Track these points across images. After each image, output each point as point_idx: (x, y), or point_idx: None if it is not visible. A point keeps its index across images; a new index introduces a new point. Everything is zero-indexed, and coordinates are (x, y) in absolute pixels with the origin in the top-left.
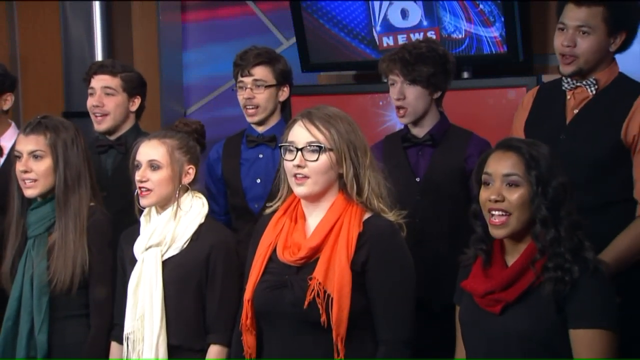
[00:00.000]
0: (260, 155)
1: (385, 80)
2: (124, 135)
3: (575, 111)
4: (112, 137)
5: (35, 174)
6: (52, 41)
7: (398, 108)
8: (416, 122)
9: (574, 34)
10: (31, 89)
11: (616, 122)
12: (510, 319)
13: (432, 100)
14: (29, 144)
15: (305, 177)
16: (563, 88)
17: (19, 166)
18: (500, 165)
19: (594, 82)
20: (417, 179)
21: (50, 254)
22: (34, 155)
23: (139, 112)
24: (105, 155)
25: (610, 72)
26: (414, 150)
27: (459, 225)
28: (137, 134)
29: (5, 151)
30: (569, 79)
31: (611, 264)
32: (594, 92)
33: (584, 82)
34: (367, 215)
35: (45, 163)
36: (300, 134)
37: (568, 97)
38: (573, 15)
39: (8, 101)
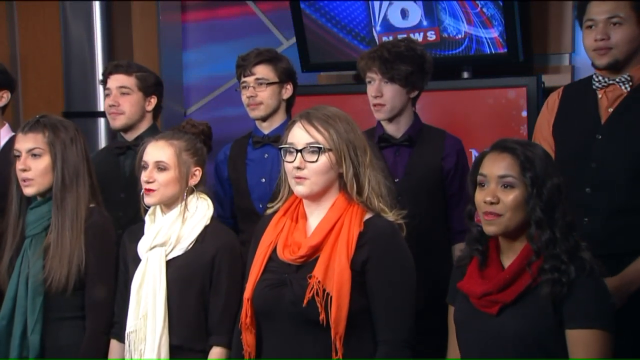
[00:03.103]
0: (266, 155)
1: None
2: (141, 135)
3: (610, 110)
4: (130, 138)
5: (33, 172)
6: (52, 41)
7: (374, 105)
8: (391, 120)
9: (604, 27)
10: (31, 89)
11: None
12: (507, 320)
13: (408, 99)
14: (27, 142)
15: (305, 177)
16: (594, 87)
17: (18, 165)
18: (495, 167)
19: (628, 78)
20: (396, 180)
21: (46, 254)
22: (32, 154)
23: (155, 112)
24: (124, 157)
25: None
26: (390, 151)
27: (437, 223)
28: (155, 135)
29: None
30: (600, 77)
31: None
32: (629, 89)
33: (617, 79)
34: (368, 215)
35: (44, 161)
36: (299, 135)
37: (599, 95)
38: (600, 9)
39: (4, 98)
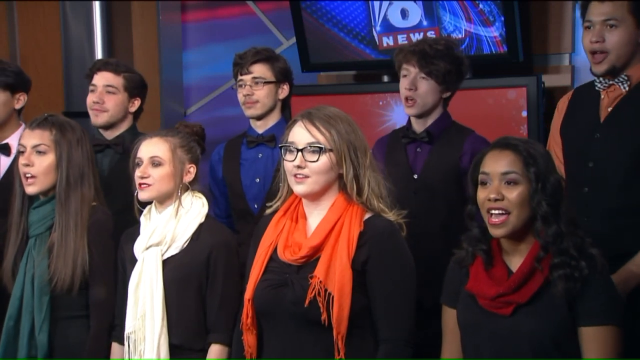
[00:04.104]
0: (260, 155)
1: (396, 74)
2: (121, 135)
3: (609, 109)
4: (109, 137)
5: (36, 169)
6: (52, 41)
7: (407, 99)
8: (421, 116)
9: (601, 29)
10: (31, 89)
11: None
12: (522, 320)
13: (440, 98)
14: (34, 138)
15: (306, 176)
16: (596, 88)
17: (21, 159)
18: (498, 164)
19: (626, 78)
20: (415, 176)
21: (51, 253)
22: (37, 150)
23: (136, 114)
24: (102, 155)
25: None
26: (412, 147)
27: (452, 223)
28: (135, 135)
29: (14, 150)
30: (601, 78)
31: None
32: (627, 88)
33: (617, 80)
34: (367, 215)
35: (48, 159)
36: (300, 134)
37: (602, 96)
38: (598, 11)
39: (21, 100)
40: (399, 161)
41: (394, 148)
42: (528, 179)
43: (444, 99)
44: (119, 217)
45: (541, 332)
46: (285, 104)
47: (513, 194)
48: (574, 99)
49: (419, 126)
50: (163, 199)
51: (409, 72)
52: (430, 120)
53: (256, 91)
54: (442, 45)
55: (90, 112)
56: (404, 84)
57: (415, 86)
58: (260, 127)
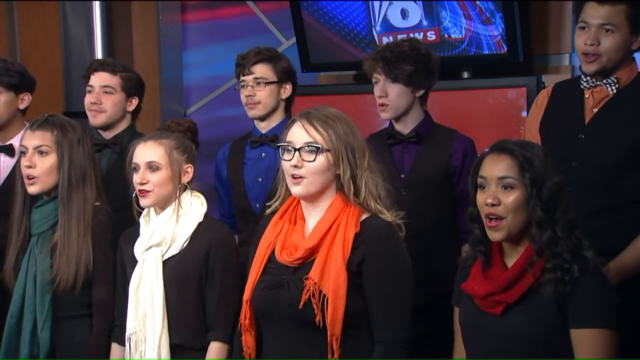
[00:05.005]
0: (263, 155)
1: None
2: (119, 134)
3: (595, 110)
4: (108, 137)
5: (38, 170)
6: (52, 41)
7: (380, 104)
8: (398, 119)
9: (597, 32)
10: None
11: (636, 121)
12: (512, 320)
13: (414, 98)
14: (35, 139)
15: (302, 177)
16: (582, 87)
17: (24, 161)
18: (495, 168)
19: (615, 80)
20: (402, 176)
21: (54, 253)
22: (39, 151)
23: (135, 113)
24: (100, 155)
25: (630, 70)
26: (398, 147)
27: (443, 220)
28: (133, 135)
29: (17, 151)
30: (588, 78)
31: (629, 266)
32: (614, 91)
33: (605, 81)
34: (364, 216)
35: (50, 160)
36: (298, 134)
37: (586, 95)
38: (596, 14)
39: (25, 100)
40: (385, 162)
41: (378, 149)
42: (524, 184)
43: (419, 98)
44: (117, 215)
45: (530, 332)
46: (289, 104)
47: (509, 198)
48: (554, 95)
49: (402, 128)
50: (163, 202)
51: (378, 80)
52: (410, 121)
53: (258, 92)
54: (406, 47)
55: (88, 113)
56: (376, 91)
57: (386, 92)
58: (263, 127)
